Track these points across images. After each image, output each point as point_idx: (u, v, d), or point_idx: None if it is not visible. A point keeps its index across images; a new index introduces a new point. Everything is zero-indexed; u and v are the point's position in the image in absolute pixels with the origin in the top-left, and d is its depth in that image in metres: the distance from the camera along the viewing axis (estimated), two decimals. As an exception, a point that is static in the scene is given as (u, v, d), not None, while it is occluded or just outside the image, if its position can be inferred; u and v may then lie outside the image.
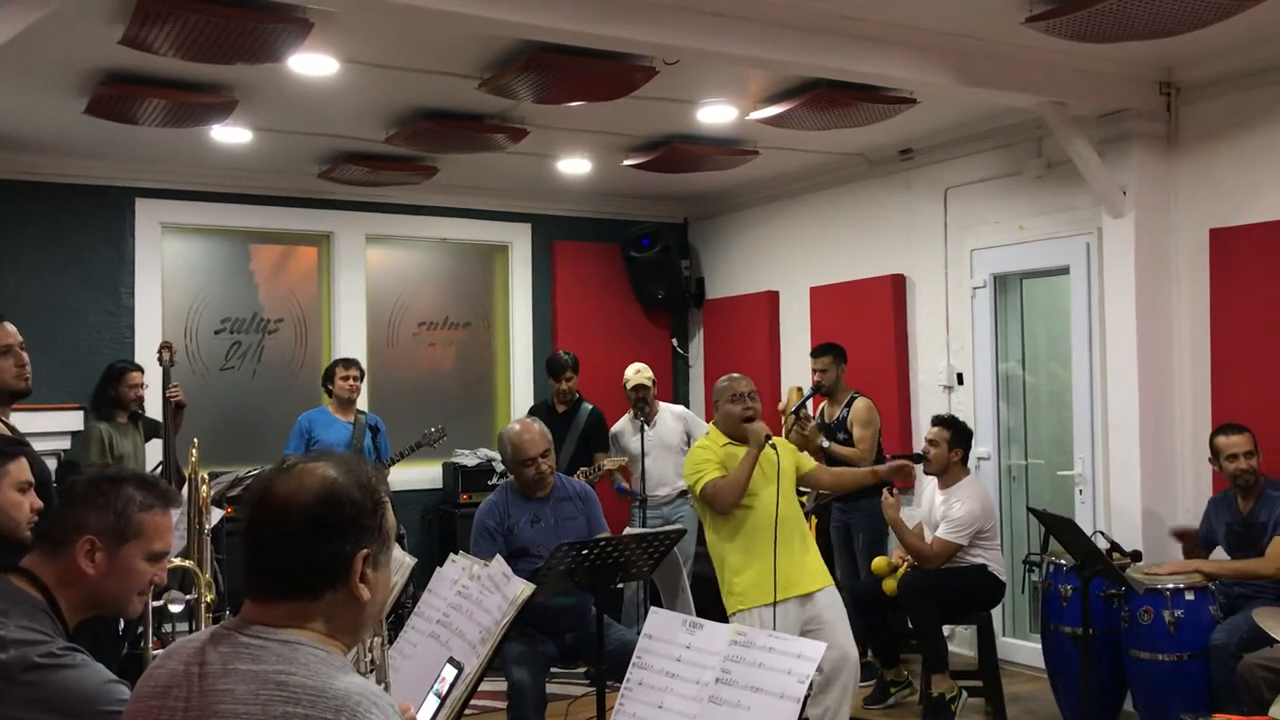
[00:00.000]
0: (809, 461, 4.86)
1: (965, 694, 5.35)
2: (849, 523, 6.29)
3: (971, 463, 5.81)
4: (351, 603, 1.68)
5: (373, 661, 2.28)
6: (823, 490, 5.34)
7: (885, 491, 5.54)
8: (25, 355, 3.51)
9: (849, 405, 6.32)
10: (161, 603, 3.35)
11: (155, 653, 3.14)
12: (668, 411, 6.89)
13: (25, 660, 2.03)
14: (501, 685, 4.33)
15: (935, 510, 5.53)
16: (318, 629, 1.66)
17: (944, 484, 5.54)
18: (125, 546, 2.22)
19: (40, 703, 2.01)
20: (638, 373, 6.72)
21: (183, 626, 4.06)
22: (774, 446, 4.43)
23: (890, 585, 5.52)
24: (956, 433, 5.56)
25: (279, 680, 1.57)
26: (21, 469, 2.69)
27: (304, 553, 1.64)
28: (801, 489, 5.15)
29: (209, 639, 1.67)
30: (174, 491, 2.39)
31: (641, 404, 6.65)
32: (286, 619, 1.65)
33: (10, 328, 3.51)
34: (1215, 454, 4.81)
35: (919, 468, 5.82)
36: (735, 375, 4.69)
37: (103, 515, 2.21)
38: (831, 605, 4.50)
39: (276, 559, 1.66)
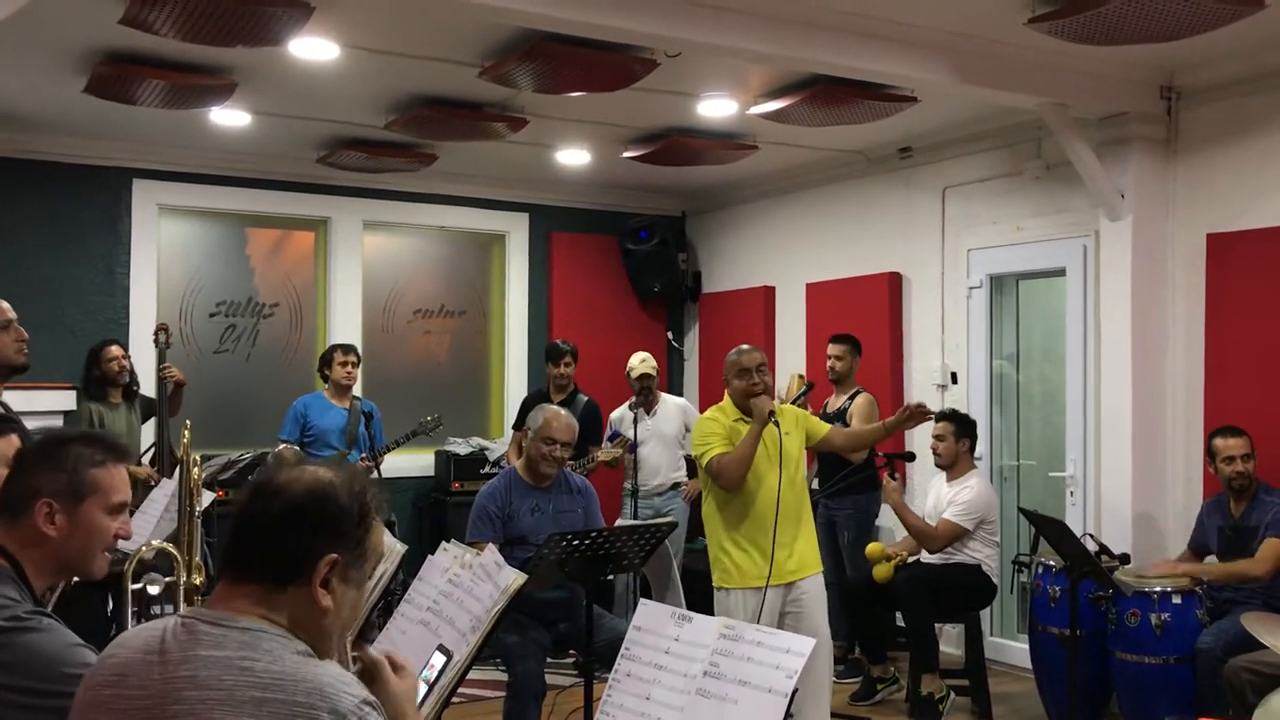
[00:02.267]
0: (820, 426, 4.78)
1: (954, 695, 5.36)
2: (834, 519, 6.28)
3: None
4: (309, 605, 1.68)
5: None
6: (839, 450, 5.27)
7: (887, 476, 5.52)
8: (24, 331, 3.54)
9: (852, 398, 6.33)
10: (141, 585, 3.34)
11: None
12: (670, 402, 6.91)
13: None
14: (492, 674, 4.34)
15: (941, 502, 5.54)
16: (281, 623, 1.66)
17: (952, 476, 5.55)
18: (83, 504, 2.22)
19: (5, 666, 2.01)
20: (643, 361, 6.73)
21: (169, 609, 4.05)
22: (778, 424, 4.37)
23: (881, 572, 5.49)
24: (960, 424, 5.60)
25: (243, 666, 1.57)
26: (10, 446, 2.69)
27: (275, 537, 1.67)
28: None
29: (168, 626, 1.67)
30: (123, 444, 2.39)
31: (646, 392, 6.67)
32: (249, 605, 1.65)
33: (5, 304, 3.52)
34: (1212, 455, 4.82)
35: (909, 466, 5.83)
36: (744, 348, 4.63)
37: (55, 477, 2.21)
38: (814, 591, 4.50)
39: (250, 539, 1.69)
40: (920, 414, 4.60)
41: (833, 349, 6.44)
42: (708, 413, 4.70)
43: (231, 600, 1.66)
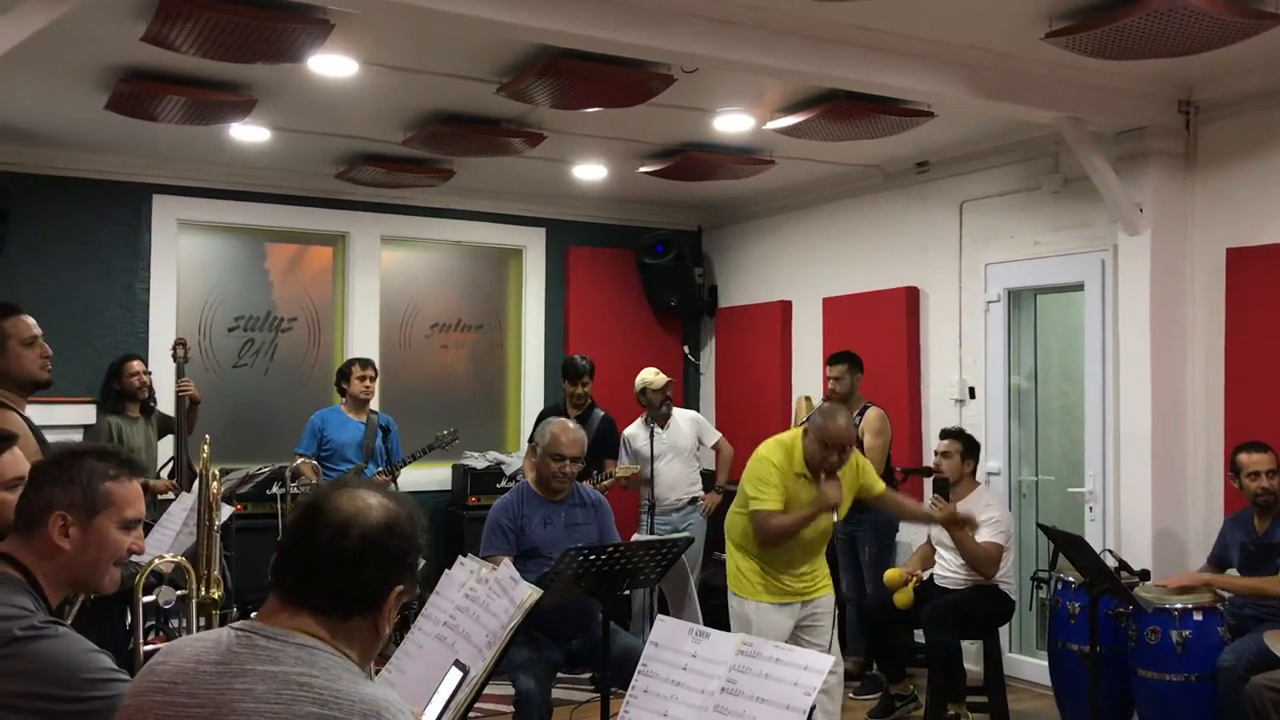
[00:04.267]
0: (876, 484, 4.86)
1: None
2: (855, 535, 6.25)
3: (981, 477, 5.79)
4: (371, 633, 1.71)
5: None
6: (879, 507, 5.31)
7: (941, 500, 5.30)
8: (48, 348, 3.57)
9: (861, 414, 6.30)
10: (153, 598, 3.36)
11: (147, 648, 3.14)
12: (681, 416, 6.89)
13: (6, 634, 2.04)
14: (506, 689, 4.33)
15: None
16: (345, 651, 1.68)
17: (956, 497, 5.48)
18: (96, 518, 2.23)
19: (22, 675, 2.02)
20: (657, 375, 6.72)
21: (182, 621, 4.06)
22: (835, 513, 4.48)
23: (902, 598, 5.45)
24: (967, 445, 5.55)
25: (301, 681, 1.59)
26: (15, 460, 2.70)
27: (353, 573, 1.68)
28: None
29: (221, 638, 1.68)
30: (137, 459, 2.40)
31: (666, 404, 6.66)
32: (309, 629, 1.67)
33: (31, 320, 3.55)
34: (1236, 471, 4.78)
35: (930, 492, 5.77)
36: (838, 419, 4.49)
37: (69, 491, 2.22)
38: (826, 611, 4.63)
39: (324, 571, 1.68)
40: (969, 521, 5.07)
41: (831, 369, 6.40)
42: (771, 449, 4.63)
43: (293, 624, 1.67)
